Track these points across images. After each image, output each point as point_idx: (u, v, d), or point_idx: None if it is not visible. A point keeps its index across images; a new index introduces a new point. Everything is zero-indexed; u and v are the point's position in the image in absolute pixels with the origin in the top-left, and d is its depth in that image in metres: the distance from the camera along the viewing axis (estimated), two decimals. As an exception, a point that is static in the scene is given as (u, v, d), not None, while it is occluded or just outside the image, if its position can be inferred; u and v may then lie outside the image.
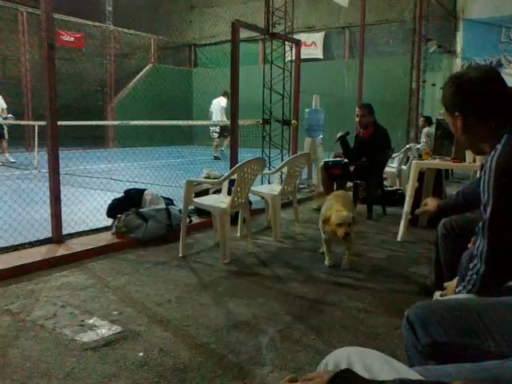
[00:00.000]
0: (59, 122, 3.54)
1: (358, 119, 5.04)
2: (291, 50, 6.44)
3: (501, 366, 0.97)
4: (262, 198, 4.39)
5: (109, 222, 4.07)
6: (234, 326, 2.38)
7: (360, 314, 2.56)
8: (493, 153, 1.36)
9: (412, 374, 0.87)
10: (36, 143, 9.20)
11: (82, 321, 2.41)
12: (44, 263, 3.21)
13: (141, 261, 3.44)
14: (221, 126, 10.84)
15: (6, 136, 10.06)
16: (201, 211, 4.40)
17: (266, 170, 5.04)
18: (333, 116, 8.49)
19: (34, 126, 9.46)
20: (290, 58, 6.49)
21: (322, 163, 5.33)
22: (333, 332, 2.33)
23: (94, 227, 4.04)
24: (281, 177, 4.85)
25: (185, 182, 3.64)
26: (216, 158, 11.42)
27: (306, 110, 6.59)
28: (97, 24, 14.03)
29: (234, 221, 4.03)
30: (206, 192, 4.36)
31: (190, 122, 10.47)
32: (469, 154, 3.92)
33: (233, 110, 5.02)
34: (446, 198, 2.94)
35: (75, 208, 4.47)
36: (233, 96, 5.00)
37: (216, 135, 11.52)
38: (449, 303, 1.32)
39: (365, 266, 3.46)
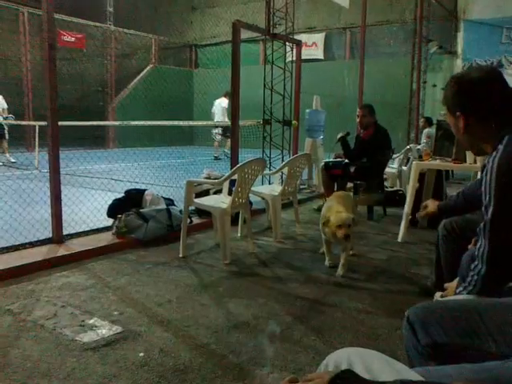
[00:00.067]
0: (60, 123, 3.54)
1: (358, 120, 5.04)
2: (292, 50, 6.44)
3: (501, 367, 0.97)
4: (263, 198, 4.39)
5: (109, 222, 4.07)
6: (235, 326, 2.38)
7: (360, 314, 2.56)
8: (494, 153, 1.36)
9: (412, 374, 0.87)
10: (37, 143, 9.21)
11: (83, 321, 2.41)
12: (44, 263, 3.21)
13: (141, 261, 3.44)
14: (223, 127, 10.84)
15: (7, 136, 10.07)
16: (201, 212, 4.40)
17: (267, 171, 5.04)
18: (333, 117, 8.49)
19: (34, 126, 9.47)
20: (290, 59, 6.50)
21: (323, 164, 5.33)
22: (333, 333, 2.32)
23: (95, 227, 4.04)
24: (281, 177, 4.85)
25: (185, 182, 3.64)
26: (216, 158, 11.42)
27: (307, 111, 6.59)
28: (98, 24, 14.05)
29: (234, 221, 4.03)
30: (206, 192, 4.36)
31: (191, 123, 10.48)
32: (469, 155, 3.92)
33: (233, 111, 5.03)
34: (447, 198, 2.93)
35: (76, 208, 4.47)
36: (233, 96, 5.01)
37: (219, 137, 11.52)
38: (449, 304, 1.32)
39: (365, 266, 3.45)
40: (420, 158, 4.45)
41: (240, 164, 3.56)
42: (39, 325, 2.36)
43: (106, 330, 2.31)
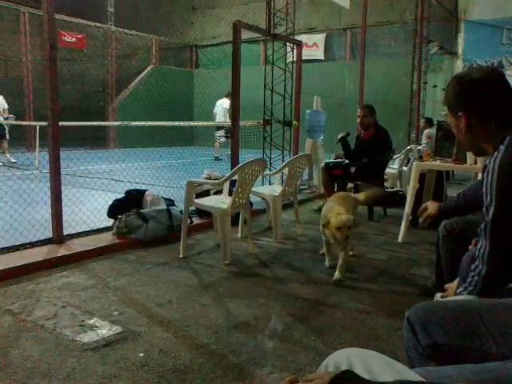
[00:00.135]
0: (60, 123, 3.55)
1: (359, 120, 5.04)
2: (292, 51, 6.44)
3: (502, 368, 0.97)
4: (263, 198, 4.39)
5: (109, 222, 4.07)
6: (235, 326, 2.38)
7: (360, 315, 2.56)
8: (496, 154, 1.36)
9: (413, 375, 0.87)
10: (37, 143, 9.21)
11: (83, 321, 2.41)
12: (45, 263, 3.21)
13: (141, 261, 3.44)
14: (226, 128, 10.82)
15: (7, 136, 10.07)
16: (202, 212, 4.40)
17: (267, 171, 5.04)
18: (334, 117, 8.49)
19: (35, 126, 9.47)
20: (291, 59, 6.50)
21: (323, 164, 5.33)
22: (333, 333, 2.32)
23: (95, 228, 4.04)
24: (282, 178, 4.85)
25: (186, 182, 3.64)
26: (217, 158, 11.42)
27: (307, 111, 6.59)
28: (98, 25, 14.07)
29: (234, 222, 4.03)
30: (206, 193, 4.36)
31: (191, 123, 10.47)
32: (470, 156, 3.92)
33: (234, 111, 5.03)
34: (447, 199, 2.93)
35: (76, 208, 4.47)
36: (234, 97, 5.01)
37: (223, 139, 11.49)
38: (449, 304, 1.32)
39: (365, 267, 3.45)
40: (420, 158, 4.45)
41: (240, 164, 3.56)
42: (39, 325, 2.36)
43: (106, 330, 2.31)
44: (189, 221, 3.95)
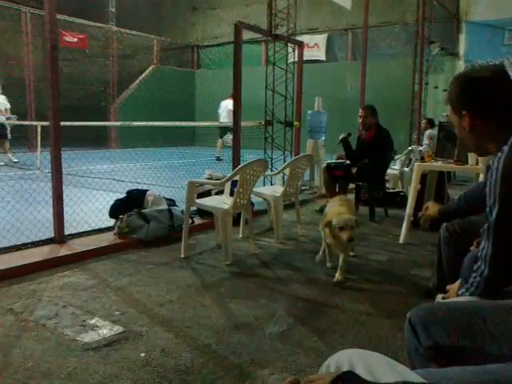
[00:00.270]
0: (62, 123, 3.55)
1: (360, 120, 5.04)
2: (294, 51, 6.44)
3: (504, 369, 0.97)
4: (264, 199, 4.39)
5: (111, 222, 4.07)
6: (236, 327, 2.38)
7: (362, 316, 2.55)
8: (499, 154, 1.35)
9: (414, 376, 0.87)
10: (39, 143, 9.21)
11: (84, 321, 2.41)
12: (46, 263, 3.21)
13: (143, 261, 3.44)
14: (230, 129, 10.77)
15: (9, 136, 10.09)
16: (203, 212, 4.40)
17: (269, 172, 5.04)
18: (335, 118, 8.48)
19: (36, 126, 9.48)
20: (292, 60, 6.49)
21: (324, 165, 5.33)
22: (334, 334, 2.32)
23: (96, 227, 4.04)
24: (283, 178, 4.85)
25: (187, 182, 3.64)
26: (218, 158, 11.41)
27: (309, 112, 6.59)
28: (100, 25, 14.08)
29: (236, 222, 4.03)
30: (208, 193, 4.36)
31: (192, 123, 10.47)
32: (471, 157, 3.92)
33: (235, 112, 5.03)
34: (449, 202, 2.93)
35: (77, 208, 4.47)
36: (235, 97, 5.02)
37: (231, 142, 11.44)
38: (451, 306, 1.32)
39: (366, 268, 3.45)
40: (422, 159, 4.45)
41: (242, 165, 3.56)
42: (41, 324, 2.36)
43: (107, 330, 2.31)
44: (190, 221, 3.96)
